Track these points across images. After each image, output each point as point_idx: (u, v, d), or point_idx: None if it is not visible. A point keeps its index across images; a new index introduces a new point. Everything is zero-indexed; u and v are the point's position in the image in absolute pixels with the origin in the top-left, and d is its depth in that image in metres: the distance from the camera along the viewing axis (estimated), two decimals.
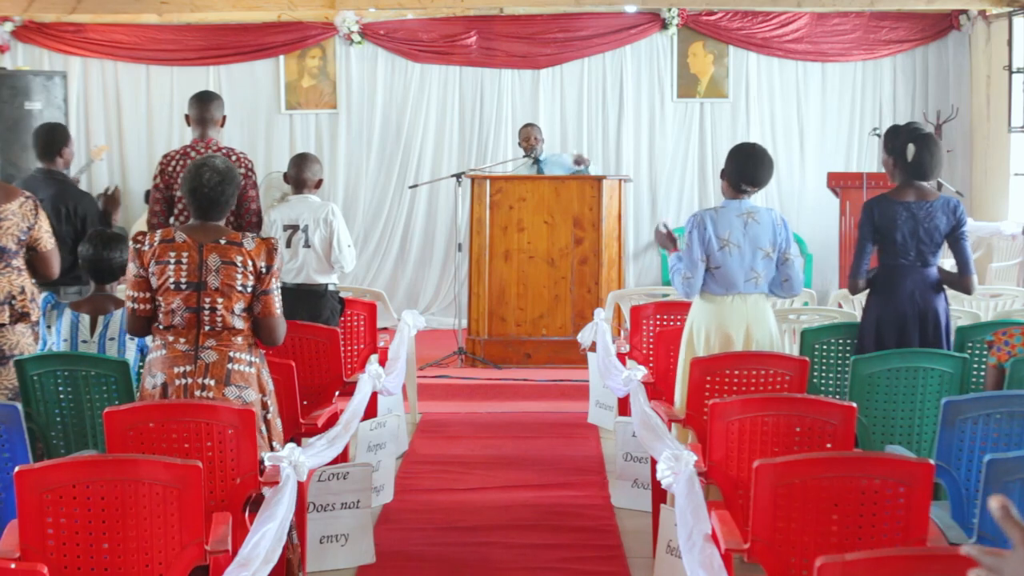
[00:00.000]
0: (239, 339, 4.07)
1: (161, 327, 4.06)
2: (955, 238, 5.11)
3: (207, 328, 4.02)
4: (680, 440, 4.68)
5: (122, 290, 4.41)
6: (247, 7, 10.34)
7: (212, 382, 4.00)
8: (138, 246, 4.05)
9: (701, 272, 4.95)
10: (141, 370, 4.26)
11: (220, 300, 4.01)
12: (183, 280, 4.00)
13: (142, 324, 4.13)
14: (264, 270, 4.06)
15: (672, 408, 5.02)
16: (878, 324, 5.08)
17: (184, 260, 4.01)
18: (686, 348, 5.09)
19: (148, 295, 4.05)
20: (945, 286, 5.18)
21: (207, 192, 4.08)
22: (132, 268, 4.07)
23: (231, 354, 4.04)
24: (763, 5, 10.80)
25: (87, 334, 4.89)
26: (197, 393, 3.98)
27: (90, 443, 4.49)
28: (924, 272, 5.09)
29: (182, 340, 4.03)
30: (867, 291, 5.24)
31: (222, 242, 4.04)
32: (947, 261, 5.34)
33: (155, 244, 4.03)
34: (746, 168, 5.02)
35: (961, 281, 5.18)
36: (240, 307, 4.04)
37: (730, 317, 4.98)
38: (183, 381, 4.00)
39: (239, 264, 4.02)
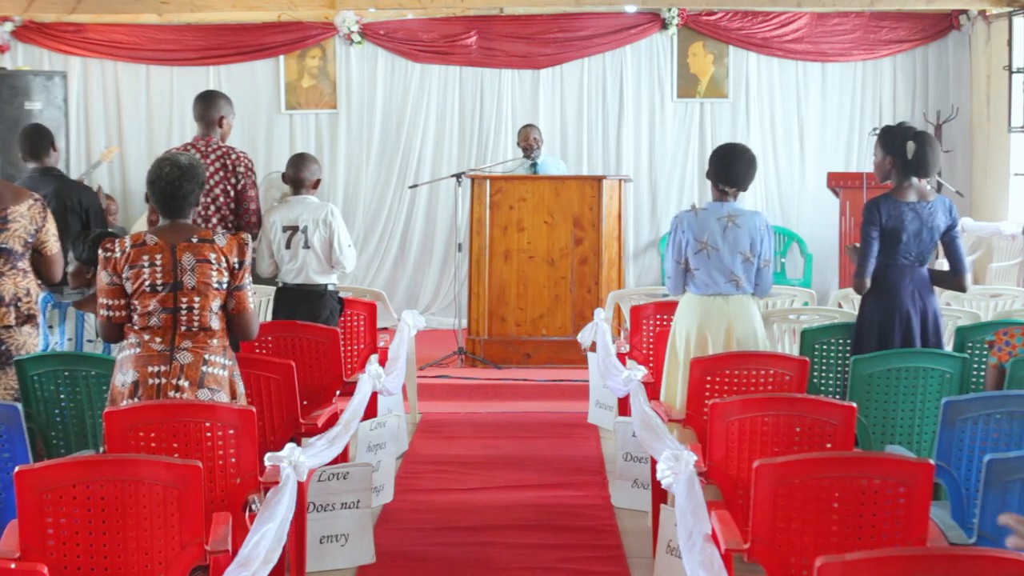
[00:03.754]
0: (214, 341, 4.07)
1: (136, 327, 4.05)
2: (950, 237, 5.13)
3: (183, 328, 4.02)
4: (681, 440, 4.68)
5: None
6: (247, 7, 10.33)
7: (186, 383, 3.99)
8: (108, 254, 4.02)
9: (680, 273, 5.09)
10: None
11: (197, 299, 4.01)
12: (159, 282, 3.99)
13: (117, 330, 4.11)
14: (237, 265, 4.06)
15: (671, 408, 5.03)
16: (882, 323, 5.07)
17: (158, 262, 4.00)
18: (669, 347, 5.20)
19: (123, 301, 4.04)
20: (936, 286, 5.19)
21: (163, 186, 4.07)
22: (104, 276, 4.04)
23: (206, 356, 4.04)
24: (763, 5, 10.79)
25: (92, 333, 4.89)
26: (171, 394, 3.97)
27: (90, 443, 4.49)
28: (921, 271, 5.11)
29: (158, 340, 4.02)
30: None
31: (194, 240, 4.04)
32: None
33: (127, 249, 4.01)
34: (722, 168, 5.09)
35: (956, 280, 5.20)
36: (217, 304, 4.05)
37: (709, 317, 5.05)
38: (156, 381, 3.99)
39: (213, 261, 4.02)
